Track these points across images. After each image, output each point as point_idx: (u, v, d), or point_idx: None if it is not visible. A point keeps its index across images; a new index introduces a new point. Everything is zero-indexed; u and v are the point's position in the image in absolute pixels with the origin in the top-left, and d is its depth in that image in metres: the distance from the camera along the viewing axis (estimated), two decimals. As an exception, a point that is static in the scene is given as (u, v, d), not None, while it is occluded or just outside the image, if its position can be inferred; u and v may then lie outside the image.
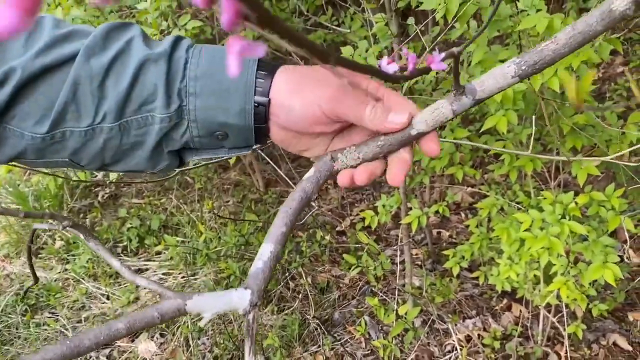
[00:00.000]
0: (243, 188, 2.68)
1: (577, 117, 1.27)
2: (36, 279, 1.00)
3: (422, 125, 0.58)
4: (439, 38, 1.29)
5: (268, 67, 0.51)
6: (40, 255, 2.43)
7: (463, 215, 2.56)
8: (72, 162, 0.53)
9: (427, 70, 0.48)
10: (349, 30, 1.67)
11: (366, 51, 1.45)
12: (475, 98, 0.57)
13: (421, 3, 1.13)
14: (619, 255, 2.22)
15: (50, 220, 0.63)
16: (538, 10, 1.16)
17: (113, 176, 1.71)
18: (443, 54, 0.44)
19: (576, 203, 1.21)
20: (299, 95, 0.49)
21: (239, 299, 0.45)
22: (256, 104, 0.50)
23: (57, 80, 0.48)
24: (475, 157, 1.52)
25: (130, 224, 2.45)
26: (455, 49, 0.53)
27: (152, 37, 0.65)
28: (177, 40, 0.51)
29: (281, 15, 2.04)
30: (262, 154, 2.21)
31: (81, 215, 2.61)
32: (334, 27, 1.64)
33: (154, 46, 0.50)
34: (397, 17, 1.33)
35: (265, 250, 0.50)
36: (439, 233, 2.51)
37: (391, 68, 0.47)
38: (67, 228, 0.60)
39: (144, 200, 2.66)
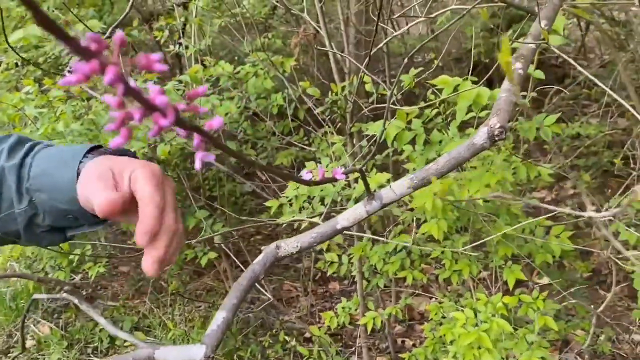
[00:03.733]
0: (215, 294, 2.78)
1: (505, 230, 1.46)
2: (24, 348, 1.10)
3: (344, 222, 0.78)
4: (386, 156, 1.51)
5: (103, 152, 0.61)
6: (9, 355, 2.45)
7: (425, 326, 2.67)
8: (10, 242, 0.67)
9: (334, 179, 0.68)
10: (315, 149, 1.90)
11: (327, 166, 1.67)
12: (382, 202, 0.77)
13: (367, 129, 1.37)
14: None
15: (44, 295, 0.77)
16: (465, 136, 1.40)
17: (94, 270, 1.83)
18: (343, 169, 0.64)
19: (505, 304, 1.36)
20: (85, 185, 0.56)
21: (197, 351, 0.60)
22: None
23: None
24: (425, 261, 1.69)
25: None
26: (359, 167, 0.73)
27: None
28: (32, 147, 0.65)
29: (258, 135, 2.29)
30: (237, 261, 2.36)
31: (55, 316, 2.66)
32: (303, 145, 1.88)
33: (16, 156, 0.63)
34: (351, 139, 1.56)
35: (219, 316, 0.66)
36: (403, 342, 2.59)
37: (307, 176, 0.66)
38: (64, 294, 0.74)
39: (118, 302, 2.73)
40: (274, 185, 2.27)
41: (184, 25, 2.40)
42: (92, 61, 0.23)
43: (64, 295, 0.73)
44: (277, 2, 2.65)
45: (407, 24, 3.83)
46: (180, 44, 2.16)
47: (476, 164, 1.53)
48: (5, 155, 0.64)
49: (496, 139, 0.66)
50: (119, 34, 0.25)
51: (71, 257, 1.97)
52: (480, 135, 0.67)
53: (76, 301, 0.70)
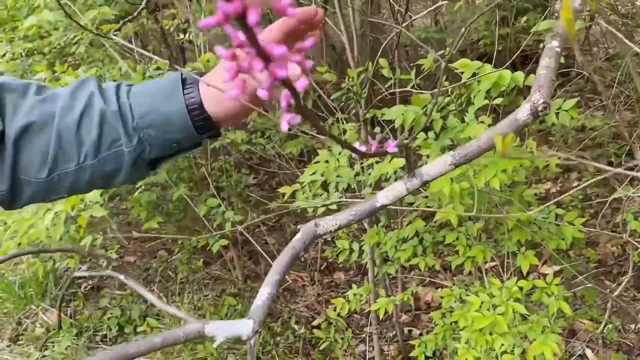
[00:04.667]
0: (222, 282, 2.79)
1: (521, 215, 1.48)
2: (60, 327, 1.10)
3: (384, 200, 0.79)
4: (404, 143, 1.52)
5: (192, 82, 0.66)
6: (19, 343, 2.46)
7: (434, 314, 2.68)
8: (71, 194, 0.70)
9: (385, 152, 0.69)
10: (323, 139, 1.91)
11: (339, 153, 1.68)
12: (423, 180, 0.78)
13: (383, 114, 1.37)
14: (579, 356, 2.35)
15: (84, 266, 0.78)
16: (481, 122, 1.41)
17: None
18: (396, 142, 0.64)
19: (520, 289, 1.38)
20: (223, 99, 0.65)
21: (244, 326, 0.61)
22: (195, 116, 0.65)
23: (45, 135, 0.65)
24: (436, 250, 1.70)
25: (111, 313, 2.52)
26: (405, 141, 0.74)
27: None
28: (118, 87, 0.68)
29: (268, 125, 2.30)
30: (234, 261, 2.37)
31: (64, 305, 2.67)
32: (314, 134, 1.89)
33: (105, 95, 0.67)
34: (365, 126, 1.56)
35: (264, 292, 0.67)
36: (410, 331, 2.61)
37: (362, 148, 0.67)
38: (108, 272, 0.75)
39: (126, 291, 2.74)
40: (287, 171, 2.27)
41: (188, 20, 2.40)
42: (235, 1, 0.23)
43: (108, 272, 0.74)
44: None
45: (410, 16, 3.83)
46: (190, 32, 2.16)
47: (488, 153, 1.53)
48: (98, 98, 0.66)
49: (540, 114, 0.67)
50: None
51: (82, 243, 1.98)
52: (523, 111, 0.68)
53: (122, 277, 0.71)
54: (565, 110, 1.21)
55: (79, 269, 1.70)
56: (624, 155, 3.14)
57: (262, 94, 0.29)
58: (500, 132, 0.71)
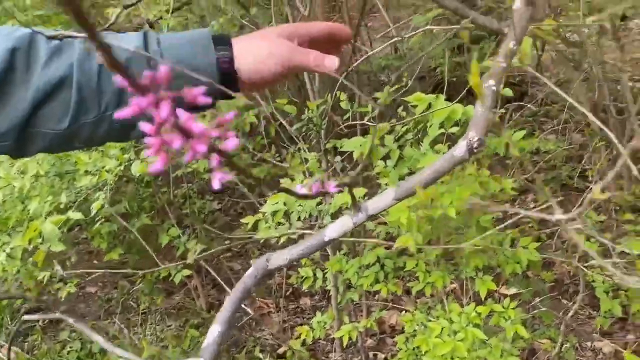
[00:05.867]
0: (186, 312, 2.75)
1: (476, 242, 1.52)
2: None
3: (332, 234, 0.81)
4: (362, 172, 1.55)
5: (223, 40, 0.69)
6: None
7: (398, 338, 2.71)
8: (85, 146, 0.71)
9: (326, 192, 0.71)
10: (288, 165, 1.93)
11: (301, 182, 1.70)
12: (368, 214, 0.81)
13: (342, 145, 1.41)
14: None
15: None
16: (436, 152, 1.46)
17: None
18: (336, 183, 0.67)
19: (478, 314, 1.41)
20: (264, 61, 0.69)
21: None
22: (223, 72, 0.68)
23: (66, 87, 0.64)
24: (398, 275, 1.73)
25: (71, 347, 2.45)
26: (348, 181, 0.77)
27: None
28: (146, 35, 0.68)
29: (232, 153, 2.30)
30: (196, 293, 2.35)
31: (20, 339, 2.58)
32: (276, 162, 1.91)
33: (127, 43, 0.66)
34: (325, 156, 1.60)
35: (214, 330, 0.67)
36: (375, 355, 2.62)
37: (301, 190, 0.69)
38: (57, 314, 0.75)
39: (87, 324, 2.68)
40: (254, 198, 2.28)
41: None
42: (148, 96, 0.26)
43: (57, 315, 0.74)
44: (246, 22, 2.68)
45: (371, 44, 3.94)
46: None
47: (446, 178, 1.58)
48: (121, 44, 0.65)
49: (475, 150, 0.71)
50: (165, 67, 0.28)
51: (39, 277, 1.93)
52: (460, 148, 0.72)
53: (71, 320, 0.71)
54: (516, 142, 1.27)
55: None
56: (576, 176, 3.27)
57: (188, 158, 0.31)
58: (440, 167, 0.74)
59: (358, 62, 1.53)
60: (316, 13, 3.15)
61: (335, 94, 1.40)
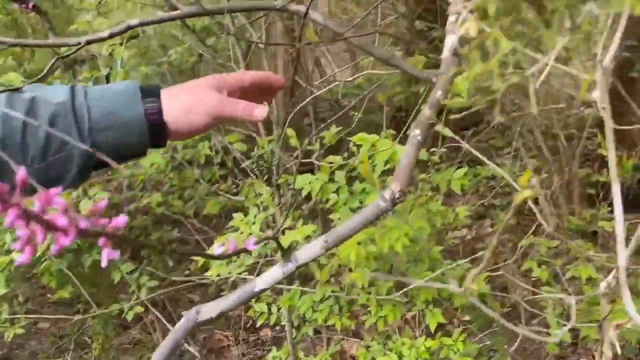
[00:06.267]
0: (142, 347, 2.69)
1: (425, 274, 1.54)
2: None
3: (262, 284, 0.81)
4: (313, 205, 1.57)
5: (152, 92, 0.71)
6: None
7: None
8: None
9: (244, 250, 0.71)
10: (243, 198, 1.93)
11: (254, 217, 1.70)
12: (298, 264, 0.81)
13: (293, 182, 1.42)
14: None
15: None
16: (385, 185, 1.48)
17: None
18: (255, 239, 0.67)
19: (427, 348, 1.43)
20: (192, 112, 0.70)
21: None
22: (152, 124, 0.69)
23: None
24: (350, 310, 1.74)
25: (20, 388, 2.36)
26: (272, 235, 0.78)
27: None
28: (73, 89, 0.69)
29: (185, 185, 2.29)
30: (159, 315, 2.31)
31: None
32: (230, 196, 1.90)
33: (53, 97, 0.67)
34: (278, 191, 1.60)
35: None
36: (335, 386, 2.61)
37: (218, 250, 0.69)
38: None
39: (37, 361, 2.59)
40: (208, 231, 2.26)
41: (109, 74, 2.38)
42: (14, 208, 0.26)
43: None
44: (204, 52, 2.69)
45: (333, 71, 3.99)
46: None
47: (399, 207, 1.61)
48: (47, 99, 0.66)
49: (397, 202, 0.73)
50: (22, 173, 0.29)
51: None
52: (383, 199, 0.74)
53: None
54: (456, 179, 1.30)
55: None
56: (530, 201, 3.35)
57: (54, 251, 0.32)
58: (365, 217, 0.76)
59: (313, 95, 1.55)
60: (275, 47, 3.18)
61: (285, 132, 1.41)
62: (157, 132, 0.71)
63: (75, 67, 3.07)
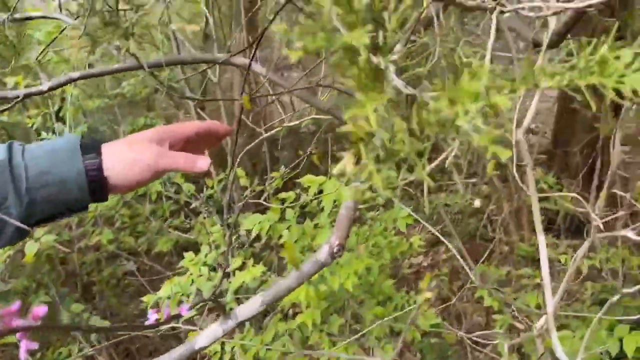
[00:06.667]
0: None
1: (376, 310, 1.56)
2: None
3: (202, 342, 0.81)
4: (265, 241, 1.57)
5: (92, 148, 0.70)
6: None
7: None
8: None
9: (178, 315, 0.72)
10: (195, 236, 1.92)
11: (205, 255, 1.69)
12: (238, 320, 0.82)
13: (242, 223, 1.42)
14: None
15: None
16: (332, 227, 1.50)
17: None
18: (189, 306, 0.68)
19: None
20: (132, 168, 0.70)
21: None
22: (91, 180, 0.68)
23: None
24: (304, 347, 1.73)
25: None
26: (218, 300, 0.78)
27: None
28: (10, 146, 0.68)
29: (137, 220, 2.26)
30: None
31: None
32: (181, 233, 1.89)
33: None
34: (229, 229, 1.60)
35: None
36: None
37: (152, 317, 0.70)
38: None
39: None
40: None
41: (60, 108, 2.35)
42: None
43: None
44: (158, 84, 2.68)
45: (292, 105, 4.03)
46: (54, 131, 2.12)
47: (352, 242, 1.63)
48: None
49: (336, 255, 0.74)
50: None
51: None
52: (322, 253, 0.75)
53: None
54: (402, 218, 1.33)
55: None
56: (481, 226, 3.44)
57: None
58: (306, 271, 0.77)
59: (262, 137, 1.56)
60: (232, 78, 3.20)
61: (235, 172, 1.42)
62: (97, 188, 0.71)
63: (25, 101, 3.01)
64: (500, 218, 3.24)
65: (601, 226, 0.85)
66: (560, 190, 2.88)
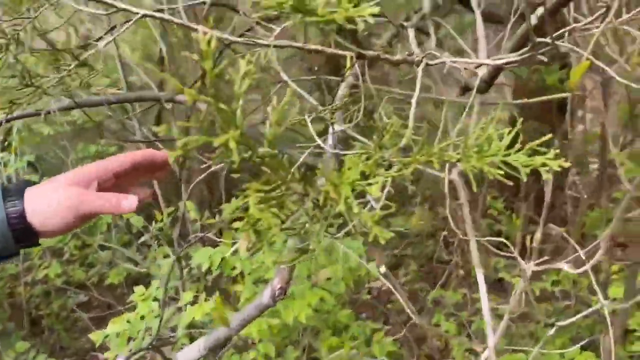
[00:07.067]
0: None
1: (331, 340, 1.55)
2: None
3: None
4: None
5: (15, 192, 0.68)
6: None
7: None
8: None
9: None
10: (146, 269, 1.87)
11: (156, 289, 1.65)
12: None
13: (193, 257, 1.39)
14: None
15: None
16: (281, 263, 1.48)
17: None
18: (126, 355, 0.66)
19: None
20: (56, 213, 0.67)
21: None
22: (15, 228, 0.66)
23: None
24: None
25: None
26: (150, 344, 0.76)
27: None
28: None
29: (88, 251, 2.19)
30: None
31: None
32: (131, 266, 1.84)
33: None
34: (179, 263, 1.57)
35: None
36: None
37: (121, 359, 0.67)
38: None
39: None
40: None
41: (5, 140, 2.27)
42: None
43: None
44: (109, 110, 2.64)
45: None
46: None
47: (303, 270, 1.62)
48: None
49: (277, 298, 0.74)
50: None
51: None
52: (265, 296, 0.75)
53: None
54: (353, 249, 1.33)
55: None
56: (438, 248, 3.48)
57: None
58: (249, 313, 0.76)
59: (209, 171, 1.54)
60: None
61: (185, 205, 1.39)
62: (21, 235, 0.68)
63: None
64: (457, 240, 3.29)
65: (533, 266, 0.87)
66: (510, 215, 2.95)
